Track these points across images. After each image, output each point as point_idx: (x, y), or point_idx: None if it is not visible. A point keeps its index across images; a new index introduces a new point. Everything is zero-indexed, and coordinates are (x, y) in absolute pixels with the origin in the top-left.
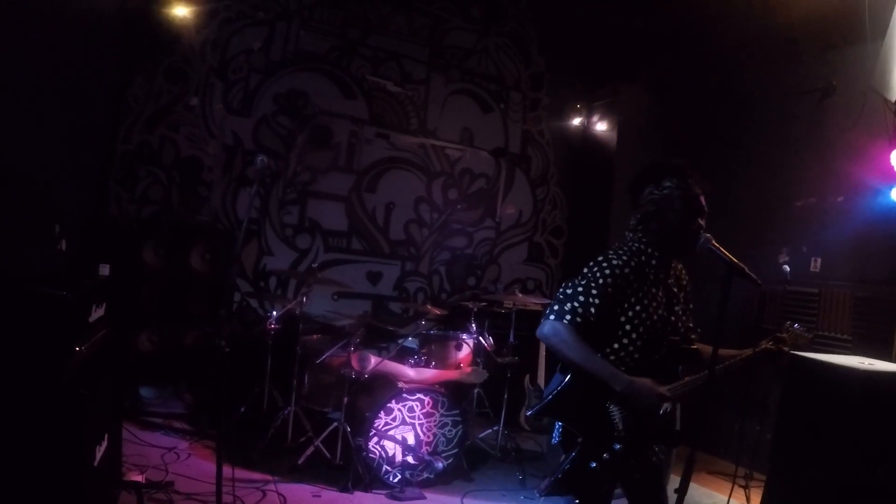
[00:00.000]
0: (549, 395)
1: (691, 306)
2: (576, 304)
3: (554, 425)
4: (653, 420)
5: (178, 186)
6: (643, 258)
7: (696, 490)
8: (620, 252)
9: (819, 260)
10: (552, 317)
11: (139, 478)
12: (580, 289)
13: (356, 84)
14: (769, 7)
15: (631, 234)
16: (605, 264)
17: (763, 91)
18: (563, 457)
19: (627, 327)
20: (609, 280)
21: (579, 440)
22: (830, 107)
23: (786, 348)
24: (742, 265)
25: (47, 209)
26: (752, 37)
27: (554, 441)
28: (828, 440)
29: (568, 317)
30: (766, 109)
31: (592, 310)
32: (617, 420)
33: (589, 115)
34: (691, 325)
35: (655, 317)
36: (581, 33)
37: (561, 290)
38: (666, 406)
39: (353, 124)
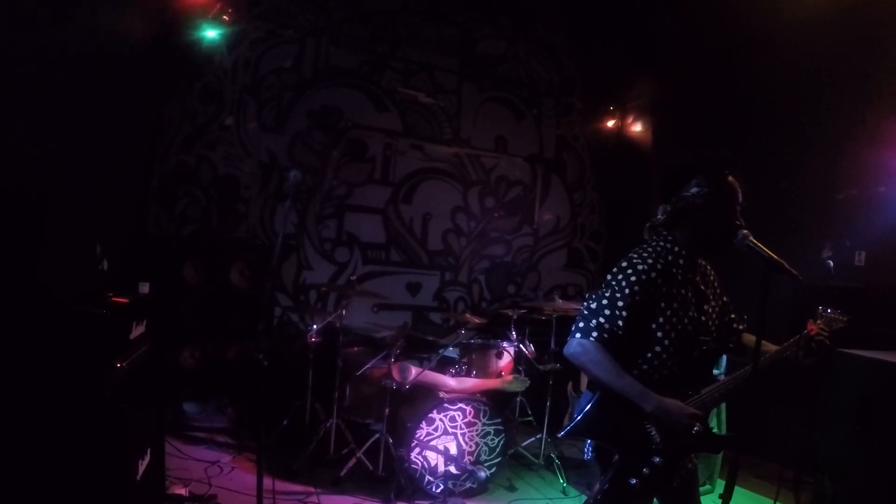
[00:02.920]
0: (579, 415)
1: (725, 299)
2: (601, 318)
3: (586, 441)
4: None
5: (216, 204)
6: (670, 258)
7: (741, 494)
8: (645, 255)
9: (863, 254)
10: (578, 334)
11: (183, 491)
12: (605, 301)
13: (388, 97)
14: None
15: (653, 234)
16: (629, 270)
17: (799, 83)
18: (600, 479)
19: (659, 334)
20: (636, 288)
21: (615, 458)
22: (870, 94)
23: (824, 334)
24: (781, 261)
25: (89, 230)
26: (784, 28)
27: (587, 457)
28: (878, 440)
29: (595, 333)
30: (804, 101)
31: (620, 322)
32: (654, 432)
33: (623, 117)
34: (733, 315)
35: (686, 319)
36: (611, 35)
37: (586, 303)
38: (698, 426)
39: (387, 137)
